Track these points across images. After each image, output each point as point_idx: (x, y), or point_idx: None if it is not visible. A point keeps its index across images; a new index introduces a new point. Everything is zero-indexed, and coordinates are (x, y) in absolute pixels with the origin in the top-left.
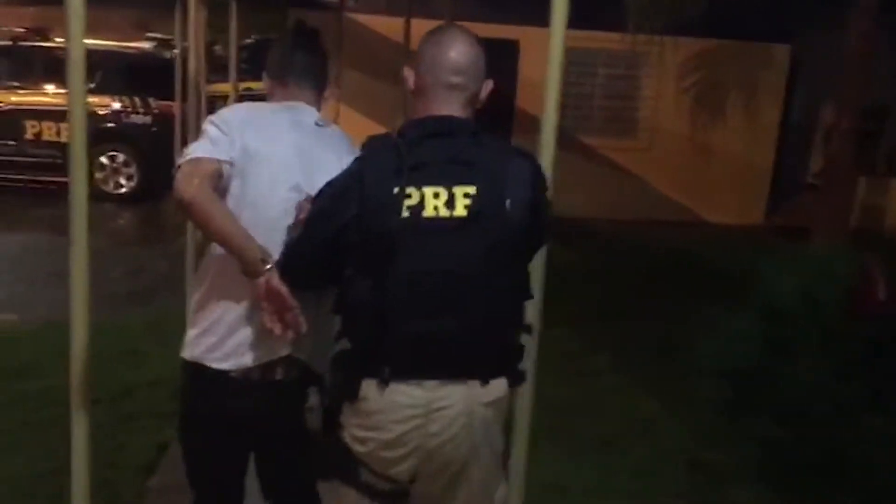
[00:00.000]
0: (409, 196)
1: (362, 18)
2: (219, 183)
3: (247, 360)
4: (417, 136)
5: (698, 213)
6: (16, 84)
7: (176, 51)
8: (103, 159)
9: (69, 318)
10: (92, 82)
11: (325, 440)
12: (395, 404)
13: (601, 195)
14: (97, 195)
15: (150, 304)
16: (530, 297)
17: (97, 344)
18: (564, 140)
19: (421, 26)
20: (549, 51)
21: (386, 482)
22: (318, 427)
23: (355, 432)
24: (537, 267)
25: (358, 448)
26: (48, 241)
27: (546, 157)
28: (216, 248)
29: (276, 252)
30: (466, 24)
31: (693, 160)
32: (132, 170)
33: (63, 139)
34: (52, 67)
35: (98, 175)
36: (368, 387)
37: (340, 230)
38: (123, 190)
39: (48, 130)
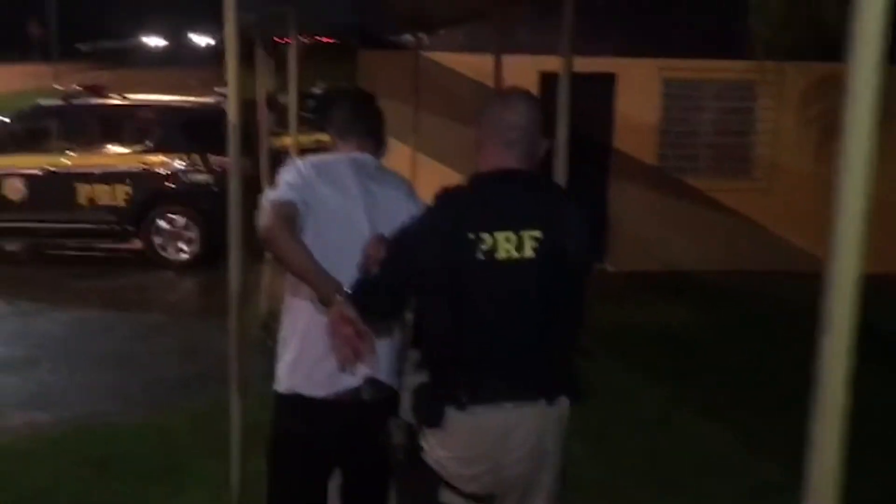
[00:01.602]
0: (483, 241)
1: (440, 57)
2: (295, 222)
3: (337, 386)
4: (486, 186)
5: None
6: (68, 145)
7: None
8: (161, 222)
9: (107, 421)
10: (148, 140)
11: (408, 465)
12: (475, 427)
13: (712, 244)
14: (155, 262)
15: (200, 395)
16: (585, 324)
17: (130, 455)
18: (667, 183)
19: (507, 63)
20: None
21: (464, 500)
22: (402, 455)
23: (437, 454)
24: None
25: (439, 468)
26: (98, 320)
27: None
28: (301, 285)
29: (346, 284)
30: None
31: (820, 202)
32: (193, 233)
33: (119, 202)
34: (106, 127)
35: (156, 240)
36: (450, 413)
37: (418, 270)
38: (184, 256)
39: (102, 194)
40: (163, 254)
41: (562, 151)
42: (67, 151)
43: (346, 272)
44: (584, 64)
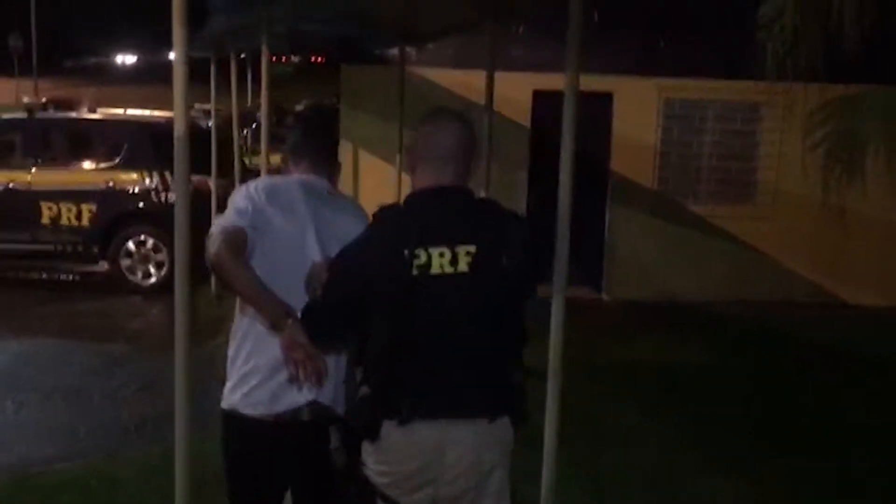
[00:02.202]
0: (418, 256)
1: (428, 73)
2: (244, 248)
3: (277, 406)
4: (421, 204)
5: (834, 293)
6: (32, 161)
7: (210, 122)
8: (130, 245)
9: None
10: (117, 157)
11: (347, 476)
12: (411, 441)
13: (712, 272)
14: (122, 286)
15: (156, 439)
16: (526, 340)
17: None
18: (666, 208)
19: (500, 80)
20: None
21: None
22: (342, 464)
23: (376, 467)
24: None
25: (378, 481)
26: (54, 349)
27: None
28: (246, 308)
29: (297, 307)
30: (552, 75)
31: (826, 230)
32: (162, 256)
33: (84, 222)
34: (73, 142)
35: (124, 263)
36: (387, 427)
37: (358, 290)
38: (152, 280)
39: (67, 213)
40: (131, 277)
41: (566, 176)
42: (31, 168)
43: (297, 296)
44: (580, 82)
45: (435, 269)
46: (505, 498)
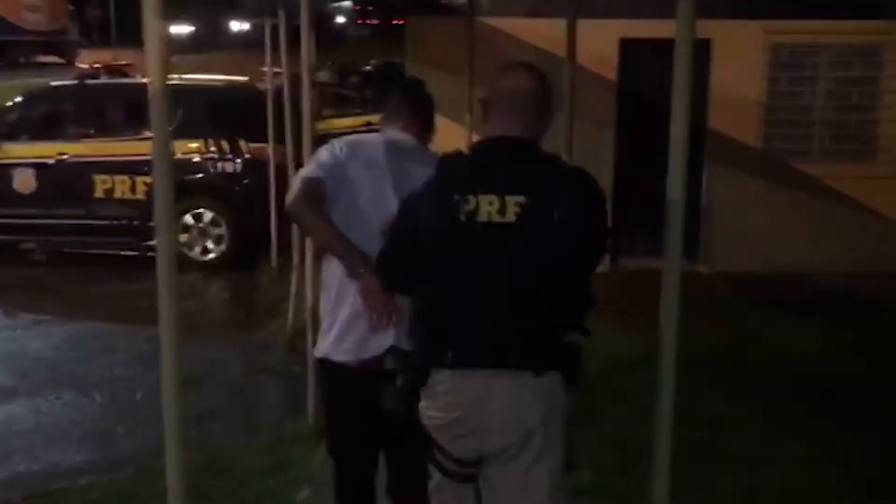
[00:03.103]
0: (467, 202)
1: (501, 23)
2: (322, 198)
3: (362, 353)
4: (481, 152)
5: None
6: (83, 131)
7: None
8: (188, 218)
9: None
10: (170, 125)
11: (405, 426)
12: (455, 390)
13: (828, 240)
14: (180, 263)
15: (203, 442)
16: (592, 303)
17: None
18: (773, 168)
19: (583, 29)
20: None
21: (452, 462)
22: (400, 408)
23: (426, 412)
24: None
25: (429, 426)
26: (101, 336)
27: None
28: (331, 259)
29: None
30: (641, 22)
31: None
32: (221, 230)
33: (139, 195)
34: (126, 110)
35: (182, 237)
36: (434, 374)
37: (415, 233)
38: (211, 256)
39: (122, 186)
40: (188, 253)
41: (680, 129)
42: (82, 138)
43: (377, 245)
44: (671, 27)
45: (482, 217)
46: (549, 458)
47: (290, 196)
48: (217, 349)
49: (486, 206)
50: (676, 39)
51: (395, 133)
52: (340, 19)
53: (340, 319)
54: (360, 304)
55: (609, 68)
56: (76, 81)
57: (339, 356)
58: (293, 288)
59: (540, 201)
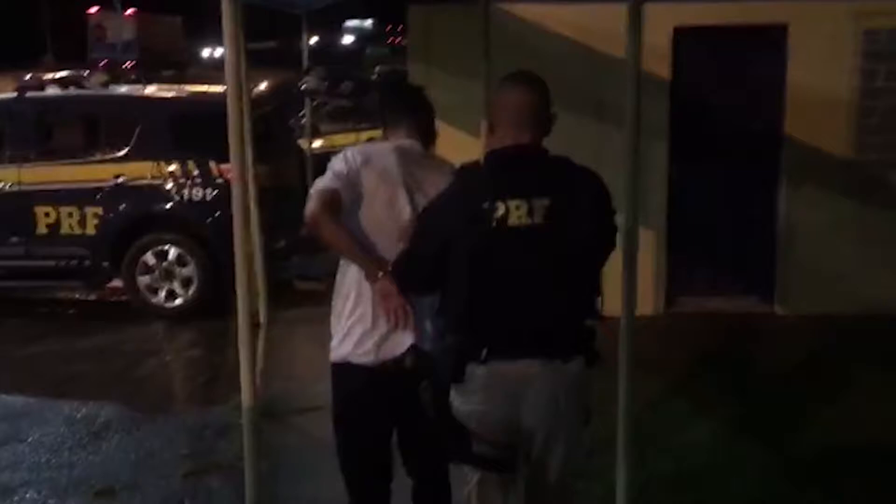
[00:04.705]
0: (496, 209)
1: (522, 10)
2: (339, 208)
3: (382, 354)
4: (499, 160)
5: None
6: (22, 154)
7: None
8: (148, 257)
9: None
10: (126, 145)
11: (440, 420)
12: (493, 381)
13: None
14: (141, 311)
15: None
16: (600, 293)
17: None
18: (868, 185)
19: (624, 14)
20: None
21: (494, 449)
22: (432, 409)
23: (463, 408)
24: None
25: (467, 420)
26: (27, 415)
27: None
28: (348, 267)
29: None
30: (701, 5)
31: None
32: (190, 270)
33: (90, 230)
34: (74, 127)
35: (141, 280)
36: (471, 369)
37: (439, 242)
38: (178, 301)
39: (69, 219)
40: (151, 299)
41: None
42: (21, 162)
43: (392, 250)
44: (738, 11)
45: (513, 221)
46: (574, 436)
47: (309, 208)
48: (160, 434)
49: (515, 211)
50: None
51: (402, 140)
52: (349, 39)
53: (359, 323)
54: (378, 308)
55: (661, 64)
56: (13, 94)
57: (360, 359)
58: (259, 354)
59: (562, 202)
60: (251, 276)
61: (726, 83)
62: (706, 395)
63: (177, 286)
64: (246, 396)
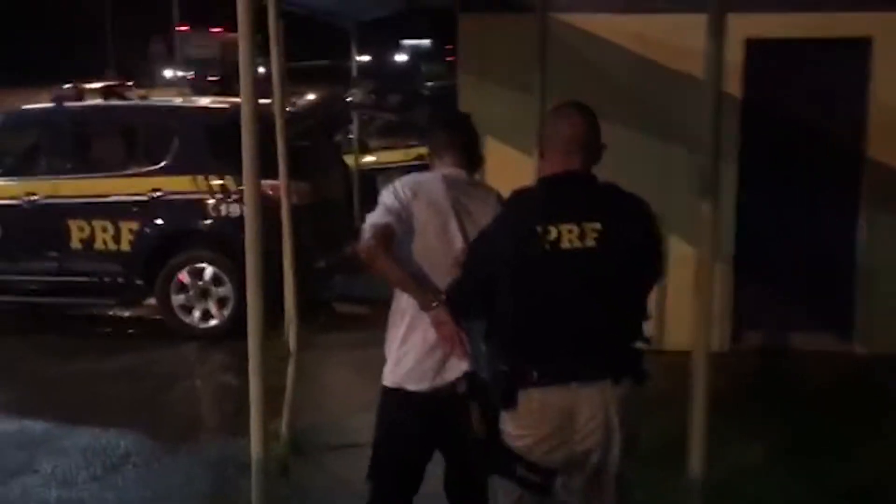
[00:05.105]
0: (549, 233)
1: (580, 20)
2: (392, 241)
3: (437, 380)
4: (551, 186)
5: None
6: (60, 165)
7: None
8: (183, 276)
9: None
10: (166, 157)
11: (489, 447)
12: (546, 405)
13: None
14: (175, 332)
15: None
16: (649, 317)
17: None
18: None
19: (692, 26)
20: None
21: (538, 475)
22: (483, 434)
23: (515, 433)
24: None
25: (518, 445)
26: (33, 440)
27: None
28: (401, 295)
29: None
30: (775, 16)
31: None
32: (226, 290)
33: (125, 246)
34: (110, 139)
35: (176, 300)
36: (523, 394)
37: (495, 263)
38: (213, 322)
39: (103, 234)
40: (185, 319)
41: None
42: (56, 174)
43: (444, 279)
44: (818, 23)
45: (565, 244)
46: (627, 445)
47: (363, 243)
48: (180, 469)
49: (567, 234)
50: None
51: (448, 169)
52: (403, 57)
53: (414, 351)
54: (432, 336)
55: (731, 80)
56: (51, 105)
57: (413, 385)
58: (289, 385)
59: (613, 226)
60: (279, 299)
61: (801, 100)
62: (777, 442)
63: (212, 306)
64: (255, 443)
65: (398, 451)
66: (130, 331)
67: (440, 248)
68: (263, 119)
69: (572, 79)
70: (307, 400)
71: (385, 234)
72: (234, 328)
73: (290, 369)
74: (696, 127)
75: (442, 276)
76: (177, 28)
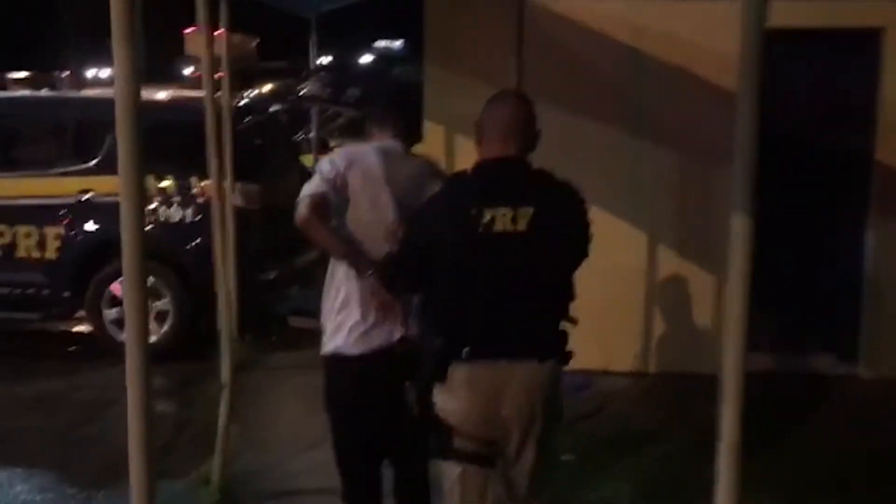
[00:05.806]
0: (483, 215)
1: (562, 6)
2: (328, 210)
3: (371, 344)
4: (487, 171)
5: None
6: None
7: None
8: (116, 288)
9: None
10: (94, 157)
11: (423, 420)
12: (475, 380)
13: None
14: (106, 350)
15: None
16: (574, 297)
17: None
18: None
19: (693, 13)
20: None
21: (475, 444)
22: (415, 406)
23: (446, 406)
24: None
25: (449, 419)
26: None
27: None
28: (336, 265)
29: (377, 257)
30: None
31: None
32: (165, 303)
33: (50, 254)
34: (33, 135)
35: (108, 314)
36: (453, 369)
37: (428, 246)
38: (151, 339)
39: (26, 240)
40: (117, 337)
41: None
42: None
43: (379, 248)
44: (823, 12)
45: (498, 227)
46: (547, 431)
47: (299, 212)
48: None
49: (501, 218)
50: None
51: (386, 141)
52: (369, 58)
53: (349, 316)
54: (368, 302)
55: (726, 75)
56: None
57: (350, 349)
58: (221, 422)
59: (544, 211)
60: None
61: (804, 97)
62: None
63: (150, 321)
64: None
65: (349, 413)
66: (56, 350)
67: (373, 218)
68: (203, 113)
69: (550, 71)
70: (246, 437)
71: (320, 204)
72: (174, 347)
73: (223, 403)
74: (689, 125)
75: (375, 245)
76: (184, 31)
